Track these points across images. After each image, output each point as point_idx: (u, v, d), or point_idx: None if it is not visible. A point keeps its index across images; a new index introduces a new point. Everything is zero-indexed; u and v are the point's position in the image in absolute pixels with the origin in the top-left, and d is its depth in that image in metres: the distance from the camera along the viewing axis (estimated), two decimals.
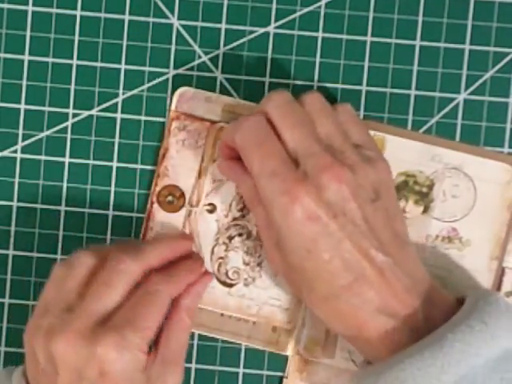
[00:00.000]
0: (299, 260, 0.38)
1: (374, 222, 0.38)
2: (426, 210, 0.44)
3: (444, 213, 0.44)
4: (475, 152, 0.45)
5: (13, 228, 0.46)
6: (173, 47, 0.46)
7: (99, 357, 0.37)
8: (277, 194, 0.37)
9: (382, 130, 0.44)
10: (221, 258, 0.44)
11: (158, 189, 0.45)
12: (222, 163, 0.43)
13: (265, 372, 0.46)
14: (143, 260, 0.40)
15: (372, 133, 0.44)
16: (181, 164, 0.44)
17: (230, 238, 0.44)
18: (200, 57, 0.46)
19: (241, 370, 0.46)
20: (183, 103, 0.44)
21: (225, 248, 0.44)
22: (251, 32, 0.46)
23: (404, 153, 0.44)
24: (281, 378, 0.45)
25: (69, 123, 0.46)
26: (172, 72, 0.46)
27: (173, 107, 0.45)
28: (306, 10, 0.45)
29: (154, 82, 0.46)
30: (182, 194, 0.44)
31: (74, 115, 0.46)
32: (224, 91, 0.45)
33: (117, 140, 0.46)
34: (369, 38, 0.45)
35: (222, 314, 0.44)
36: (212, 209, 0.44)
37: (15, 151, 0.46)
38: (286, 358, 0.45)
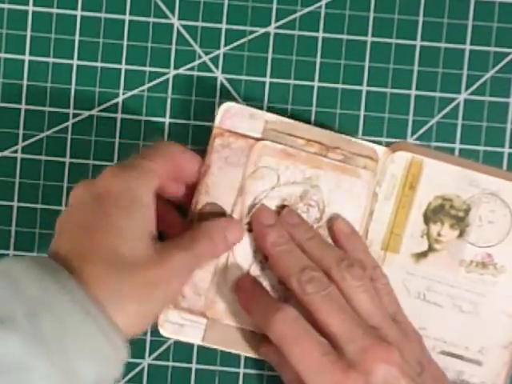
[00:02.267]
0: None
1: None
2: (461, 235, 0.44)
3: (479, 238, 0.44)
4: None
5: (13, 228, 0.46)
6: (173, 47, 0.46)
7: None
8: None
9: (420, 152, 0.44)
10: (257, 276, 0.44)
11: (198, 206, 0.44)
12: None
13: (265, 372, 0.46)
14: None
15: (410, 156, 0.44)
16: (222, 181, 0.44)
17: (267, 257, 0.43)
18: (200, 57, 0.46)
19: (241, 370, 0.46)
20: (227, 119, 0.44)
21: (261, 267, 0.44)
22: (251, 32, 0.46)
23: (442, 176, 0.44)
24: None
25: (69, 123, 0.46)
26: (172, 72, 0.46)
27: (216, 123, 0.44)
28: (306, 10, 0.45)
29: (155, 82, 0.46)
30: (223, 212, 0.44)
31: (75, 115, 0.46)
32: (224, 91, 0.45)
33: (117, 140, 0.46)
34: (369, 38, 0.45)
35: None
36: (251, 228, 0.44)
37: (16, 151, 0.46)
38: None
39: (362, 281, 0.40)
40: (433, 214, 0.44)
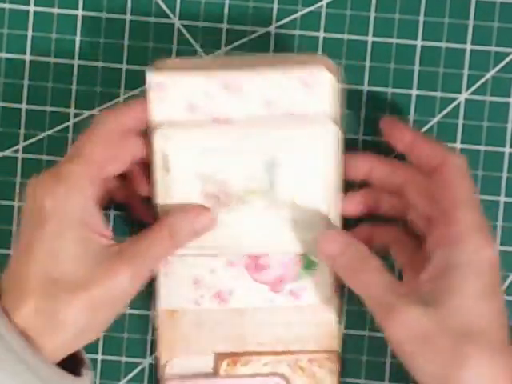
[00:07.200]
0: None
1: None
2: None
3: None
4: None
5: (13, 228, 0.46)
6: (174, 47, 0.46)
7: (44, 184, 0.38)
8: None
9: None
10: None
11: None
12: None
13: None
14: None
15: None
16: None
17: None
18: (201, 56, 0.46)
19: None
20: None
21: None
22: (252, 32, 0.46)
23: None
24: None
25: (70, 123, 0.46)
26: None
27: None
28: (307, 9, 0.45)
29: None
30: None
31: (76, 115, 0.46)
32: None
33: None
34: (370, 38, 0.45)
35: None
36: None
37: (17, 151, 0.46)
38: None
39: None
40: None
